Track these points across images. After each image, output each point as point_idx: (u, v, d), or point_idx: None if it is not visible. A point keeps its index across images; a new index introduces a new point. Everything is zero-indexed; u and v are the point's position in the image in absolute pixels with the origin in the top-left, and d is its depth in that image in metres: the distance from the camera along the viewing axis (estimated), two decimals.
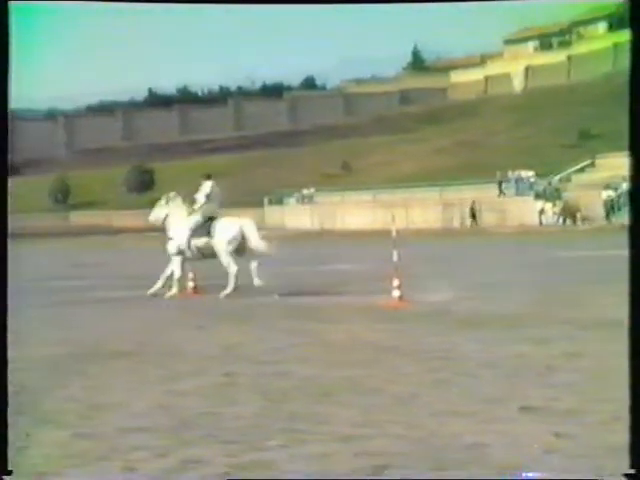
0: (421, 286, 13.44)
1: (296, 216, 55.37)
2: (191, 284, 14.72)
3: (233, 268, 13.72)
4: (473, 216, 43.83)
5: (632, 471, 4.27)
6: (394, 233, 12.71)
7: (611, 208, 39.32)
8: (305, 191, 58.35)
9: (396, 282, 12.19)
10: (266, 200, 59.86)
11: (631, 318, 4.87)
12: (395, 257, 12.35)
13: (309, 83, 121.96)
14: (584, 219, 41.12)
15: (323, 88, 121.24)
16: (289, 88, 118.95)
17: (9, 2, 4.74)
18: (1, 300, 4.65)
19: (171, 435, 5.22)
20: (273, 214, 56.76)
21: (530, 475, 4.18)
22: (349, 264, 21.20)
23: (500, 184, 45.87)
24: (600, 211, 40.13)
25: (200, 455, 4.80)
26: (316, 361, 7.66)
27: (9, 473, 4.41)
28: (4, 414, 4.61)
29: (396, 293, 12.18)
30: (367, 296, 12.96)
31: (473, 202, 44.01)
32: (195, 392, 6.45)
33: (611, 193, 39.57)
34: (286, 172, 74.39)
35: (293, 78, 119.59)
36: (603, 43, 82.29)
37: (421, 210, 46.56)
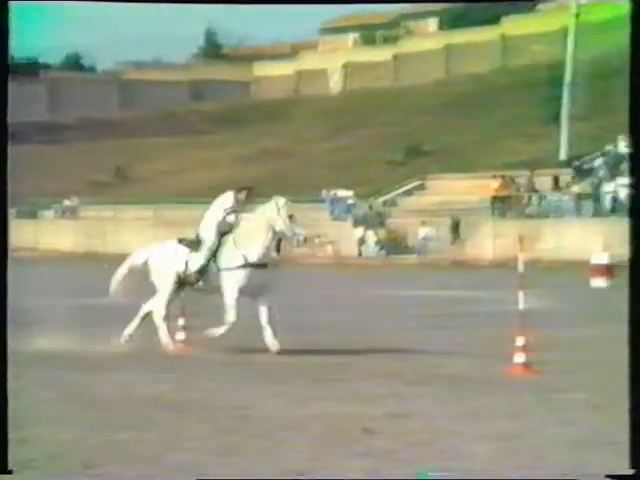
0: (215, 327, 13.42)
1: (54, 233, 54.02)
2: None
3: None
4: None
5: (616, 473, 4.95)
6: None
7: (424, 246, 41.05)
8: (67, 202, 57.02)
9: (181, 321, 12.14)
10: (13, 212, 57.95)
11: (631, 311, 5.46)
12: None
13: (72, 62, 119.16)
14: (411, 252, 42.58)
15: (91, 70, 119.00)
16: (47, 67, 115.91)
17: (9, 2, 5.66)
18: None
19: None
20: (23, 230, 54.99)
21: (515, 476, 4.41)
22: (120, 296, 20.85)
23: None
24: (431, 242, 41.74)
25: None
26: (76, 422, 7.50)
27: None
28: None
29: (181, 335, 12.13)
30: (143, 339, 12.80)
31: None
32: None
33: (429, 231, 41.18)
34: (43, 176, 72.43)
35: (52, 54, 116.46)
36: (434, 43, 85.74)
37: None
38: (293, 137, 77.64)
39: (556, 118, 47.96)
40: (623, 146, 43.80)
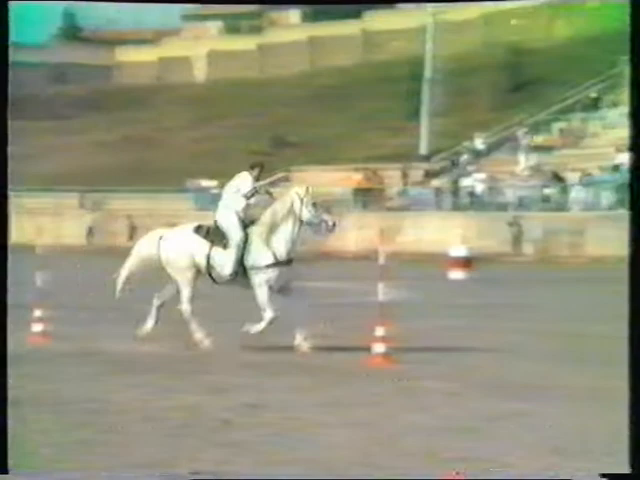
0: (71, 319, 13.21)
1: None
2: None
3: None
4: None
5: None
6: (39, 249, 12.38)
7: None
8: None
9: (38, 313, 11.87)
10: None
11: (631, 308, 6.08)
12: (39, 281, 12.06)
13: None
14: None
15: None
16: None
17: (9, 2, 5.88)
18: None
19: None
20: None
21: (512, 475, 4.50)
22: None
23: None
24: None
25: None
26: None
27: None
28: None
29: (38, 327, 11.86)
30: None
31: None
32: None
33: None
34: None
35: None
36: (297, 35, 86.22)
37: (74, 221, 45.81)
38: (156, 125, 76.85)
39: (417, 113, 48.76)
40: (479, 143, 45.01)
